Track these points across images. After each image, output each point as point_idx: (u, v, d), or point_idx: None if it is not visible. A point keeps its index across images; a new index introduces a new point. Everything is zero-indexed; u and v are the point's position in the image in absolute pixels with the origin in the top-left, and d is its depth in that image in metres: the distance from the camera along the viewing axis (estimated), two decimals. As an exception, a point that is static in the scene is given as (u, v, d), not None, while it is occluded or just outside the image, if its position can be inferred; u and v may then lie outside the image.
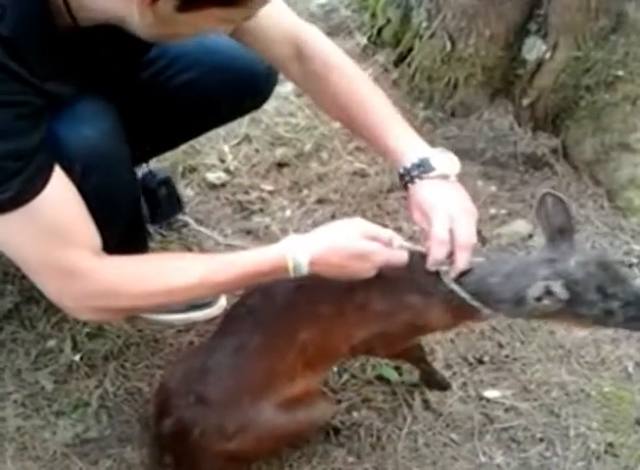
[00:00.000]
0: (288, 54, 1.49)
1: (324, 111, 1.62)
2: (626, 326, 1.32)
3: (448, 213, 1.33)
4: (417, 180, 1.38)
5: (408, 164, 1.39)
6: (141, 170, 1.94)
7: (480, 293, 1.32)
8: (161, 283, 1.25)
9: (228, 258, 1.29)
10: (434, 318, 1.37)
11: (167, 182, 2.00)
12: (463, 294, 1.31)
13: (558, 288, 1.21)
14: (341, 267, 1.26)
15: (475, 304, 1.32)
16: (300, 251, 1.24)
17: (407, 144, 1.42)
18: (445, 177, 1.39)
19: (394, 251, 1.28)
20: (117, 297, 1.24)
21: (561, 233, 1.29)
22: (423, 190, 1.37)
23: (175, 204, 2.05)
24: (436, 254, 1.31)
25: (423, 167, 1.38)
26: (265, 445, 1.46)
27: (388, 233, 1.29)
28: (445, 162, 1.40)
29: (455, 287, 1.32)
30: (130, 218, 1.59)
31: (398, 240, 1.30)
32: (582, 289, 1.23)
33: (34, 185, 1.14)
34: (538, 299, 1.22)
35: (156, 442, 1.50)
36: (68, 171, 1.21)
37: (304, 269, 1.24)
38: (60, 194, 1.19)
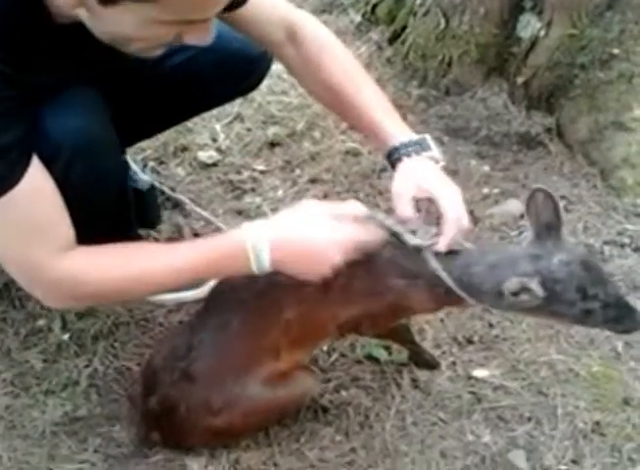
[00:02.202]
0: (282, 38, 1.48)
1: (314, 95, 1.60)
2: (606, 327, 1.34)
3: (453, 195, 1.34)
4: (414, 155, 1.37)
5: (406, 140, 1.39)
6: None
7: (463, 280, 1.31)
8: (126, 269, 1.26)
9: (188, 243, 1.34)
10: (417, 301, 1.37)
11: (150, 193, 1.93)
12: (442, 274, 1.31)
13: (534, 285, 1.22)
14: (302, 257, 1.26)
15: (453, 286, 1.31)
16: (260, 234, 1.24)
17: (398, 126, 1.43)
18: (437, 162, 1.39)
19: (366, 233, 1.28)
20: (82, 285, 1.25)
21: (548, 230, 1.29)
22: (422, 165, 1.37)
23: (152, 217, 1.97)
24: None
25: (420, 146, 1.38)
26: (251, 420, 1.48)
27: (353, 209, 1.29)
28: (436, 149, 1.41)
29: (436, 265, 1.31)
30: (117, 205, 1.59)
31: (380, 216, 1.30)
32: (562, 288, 1.24)
33: (6, 180, 1.14)
34: (515, 294, 1.23)
35: (143, 419, 1.50)
36: (54, 161, 1.22)
37: (265, 255, 1.24)
38: (34, 190, 1.18)
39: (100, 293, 1.29)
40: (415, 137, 1.40)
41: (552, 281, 1.24)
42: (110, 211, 1.52)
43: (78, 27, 1.12)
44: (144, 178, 1.89)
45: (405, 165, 1.38)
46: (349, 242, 1.26)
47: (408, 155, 1.37)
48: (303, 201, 1.33)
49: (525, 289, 1.22)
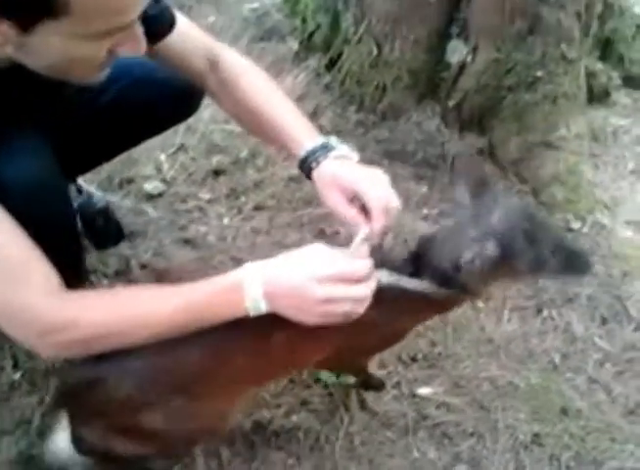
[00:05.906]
0: (203, 67, 1.52)
1: (235, 118, 1.63)
2: (562, 274, 1.33)
3: (374, 181, 1.33)
4: (322, 159, 1.38)
5: (310, 147, 1.40)
6: (79, 199, 1.97)
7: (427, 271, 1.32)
8: (122, 311, 1.21)
9: (185, 284, 1.23)
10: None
11: (105, 211, 2.00)
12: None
13: (489, 247, 1.22)
14: (289, 297, 1.18)
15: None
16: (255, 271, 1.19)
17: (308, 134, 1.44)
18: (348, 158, 1.40)
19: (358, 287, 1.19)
20: (75, 328, 1.19)
21: (482, 185, 1.31)
22: (333, 167, 1.37)
23: (114, 233, 2.04)
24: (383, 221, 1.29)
25: (326, 148, 1.39)
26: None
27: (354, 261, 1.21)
28: (345, 146, 1.42)
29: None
30: (68, 251, 1.58)
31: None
32: (511, 240, 1.24)
33: None
34: (471, 261, 1.23)
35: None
36: (3, 205, 1.20)
37: (258, 292, 1.18)
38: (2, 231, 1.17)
39: (95, 337, 1.21)
40: (319, 143, 1.40)
41: (501, 237, 1.24)
42: (59, 251, 1.52)
43: (17, 70, 1.14)
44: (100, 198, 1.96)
45: (316, 174, 1.39)
46: (331, 276, 1.18)
47: (317, 161, 1.39)
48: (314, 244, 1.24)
49: (479, 254, 1.22)
